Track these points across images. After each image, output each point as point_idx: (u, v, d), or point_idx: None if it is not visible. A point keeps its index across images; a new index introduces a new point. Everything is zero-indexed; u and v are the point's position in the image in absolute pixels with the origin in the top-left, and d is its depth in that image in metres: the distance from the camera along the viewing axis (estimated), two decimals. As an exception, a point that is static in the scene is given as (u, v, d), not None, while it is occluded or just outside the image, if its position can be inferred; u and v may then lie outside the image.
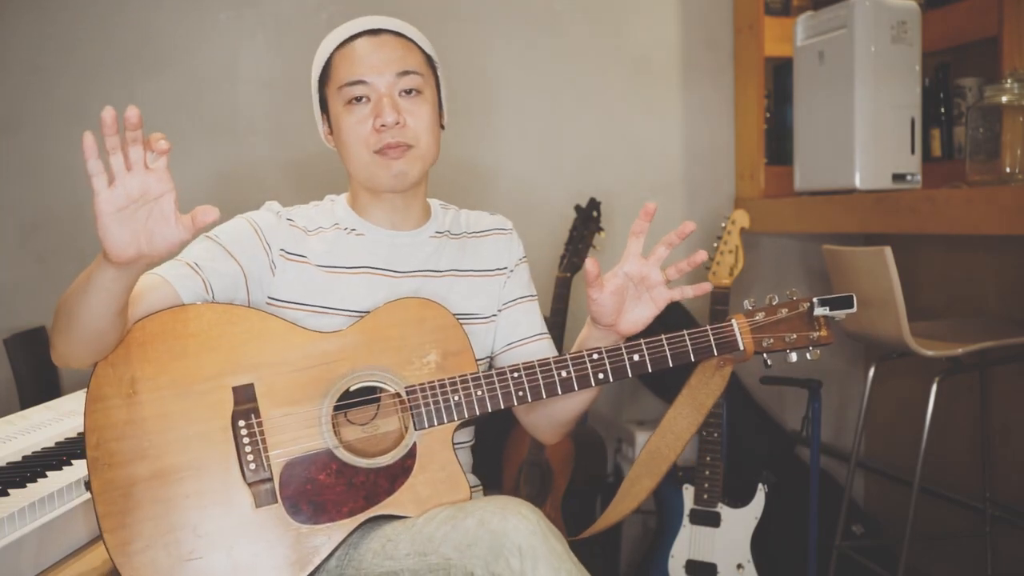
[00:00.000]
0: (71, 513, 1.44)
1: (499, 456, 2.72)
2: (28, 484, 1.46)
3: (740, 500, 2.49)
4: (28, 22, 2.77)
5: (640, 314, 1.48)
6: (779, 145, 3.18)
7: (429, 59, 1.56)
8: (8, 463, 1.58)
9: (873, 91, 2.62)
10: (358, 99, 1.50)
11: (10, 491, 1.42)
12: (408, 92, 1.51)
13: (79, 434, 1.70)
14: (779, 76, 3.18)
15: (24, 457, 1.63)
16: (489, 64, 3.06)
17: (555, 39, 3.12)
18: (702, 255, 1.46)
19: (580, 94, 3.15)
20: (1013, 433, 2.71)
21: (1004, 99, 2.40)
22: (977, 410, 2.73)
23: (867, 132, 2.62)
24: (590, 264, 1.45)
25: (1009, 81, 2.41)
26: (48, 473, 1.52)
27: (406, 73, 1.50)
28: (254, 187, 2.88)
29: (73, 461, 1.58)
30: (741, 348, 1.48)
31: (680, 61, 3.23)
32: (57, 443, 1.73)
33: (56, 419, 1.88)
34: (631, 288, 1.47)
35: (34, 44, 2.78)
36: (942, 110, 2.90)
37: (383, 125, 1.48)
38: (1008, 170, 2.40)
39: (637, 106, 3.20)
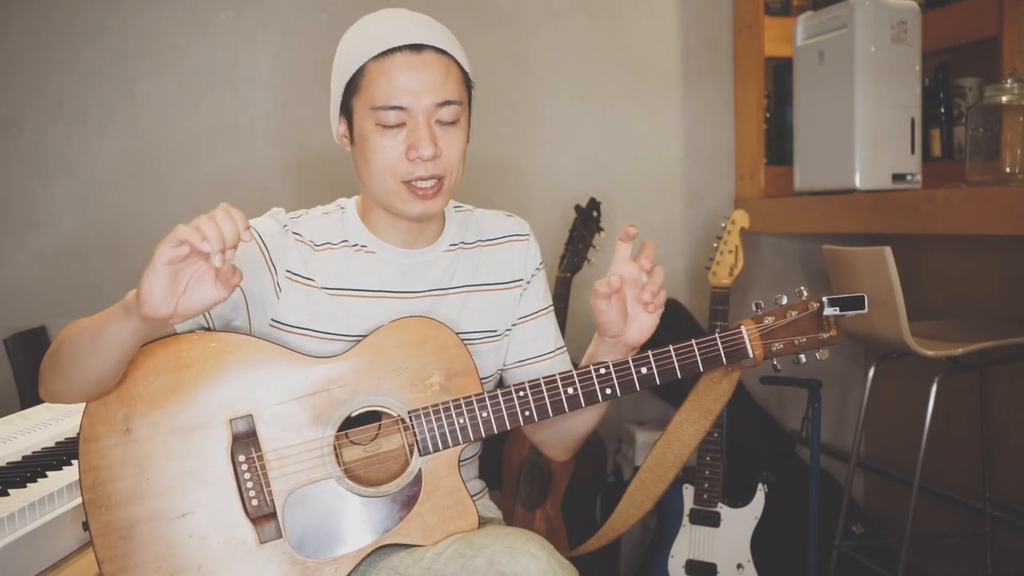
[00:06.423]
0: (72, 513, 1.44)
1: (499, 456, 2.72)
2: (28, 484, 1.46)
3: (740, 500, 2.49)
4: (29, 21, 2.77)
5: (646, 319, 1.44)
6: (779, 145, 3.18)
7: (466, 77, 1.47)
8: (8, 463, 1.59)
9: (873, 91, 2.61)
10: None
11: (10, 491, 1.42)
12: (445, 120, 1.42)
13: (79, 433, 1.71)
14: (779, 76, 3.18)
15: (24, 457, 1.63)
16: (488, 64, 3.06)
17: (555, 39, 3.12)
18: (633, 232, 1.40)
19: (580, 94, 3.15)
20: (1013, 433, 2.71)
21: (1004, 99, 2.40)
22: (977, 410, 2.73)
23: (867, 132, 2.62)
24: (600, 283, 1.41)
25: (1009, 81, 2.41)
26: (48, 473, 1.53)
27: (447, 103, 1.41)
28: (255, 188, 2.88)
29: (73, 461, 1.58)
30: (751, 356, 1.45)
31: (680, 61, 3.23)
32: (57, 443, 1.73)
33: (56, 419, 1.89)
34: (630, 292, 1.43)
35: (35, 43, 2.78)
36: (942, 110, 2.90)
37: (418, 157, 1.40)
38: (1008, 170, 2.40)
39: (637, 106, 3.20)
